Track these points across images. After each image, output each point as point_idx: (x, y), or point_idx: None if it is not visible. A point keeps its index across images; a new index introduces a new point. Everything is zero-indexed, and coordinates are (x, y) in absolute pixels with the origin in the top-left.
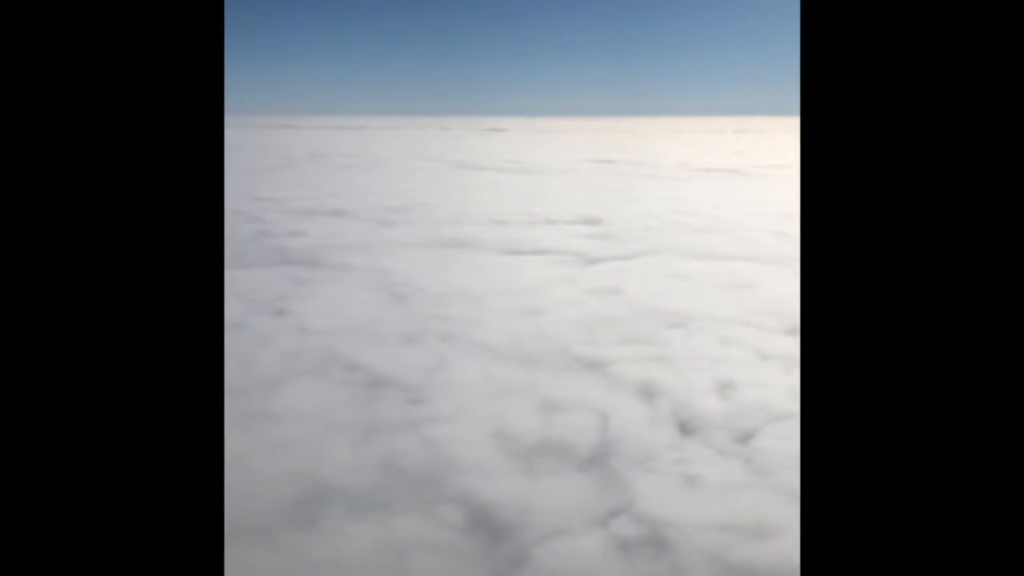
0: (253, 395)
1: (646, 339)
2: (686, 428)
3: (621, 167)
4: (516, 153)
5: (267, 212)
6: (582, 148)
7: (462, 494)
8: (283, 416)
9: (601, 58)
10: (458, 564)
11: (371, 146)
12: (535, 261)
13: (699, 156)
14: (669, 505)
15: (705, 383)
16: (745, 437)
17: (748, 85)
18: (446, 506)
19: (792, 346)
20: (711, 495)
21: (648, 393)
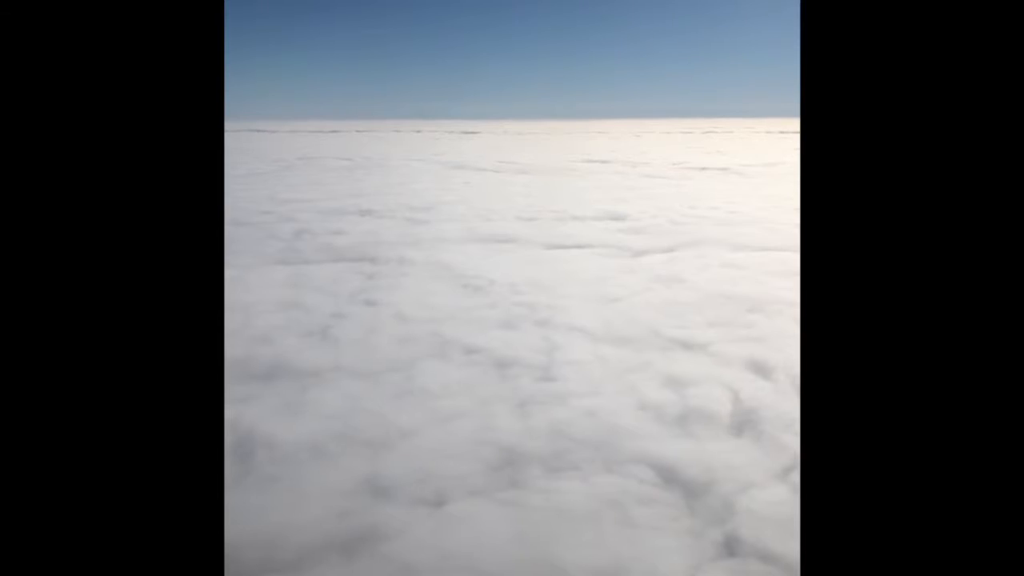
0: (392, 376)
1: (730, 322)
2: None
3: (616, 167)
4: (505, 154)
5: (296, 212)
6: (567, 149)
7: (641, 456)
8: (434, 393)
9: (545, 64)
10: (674, 512)
11: (357, 149)
12: (583, 254)
13: (686, 156)
14: None
15: None
16: None
17: (699, 89)
18: (632, 466)
19: None
20: None
21: (760, 368)
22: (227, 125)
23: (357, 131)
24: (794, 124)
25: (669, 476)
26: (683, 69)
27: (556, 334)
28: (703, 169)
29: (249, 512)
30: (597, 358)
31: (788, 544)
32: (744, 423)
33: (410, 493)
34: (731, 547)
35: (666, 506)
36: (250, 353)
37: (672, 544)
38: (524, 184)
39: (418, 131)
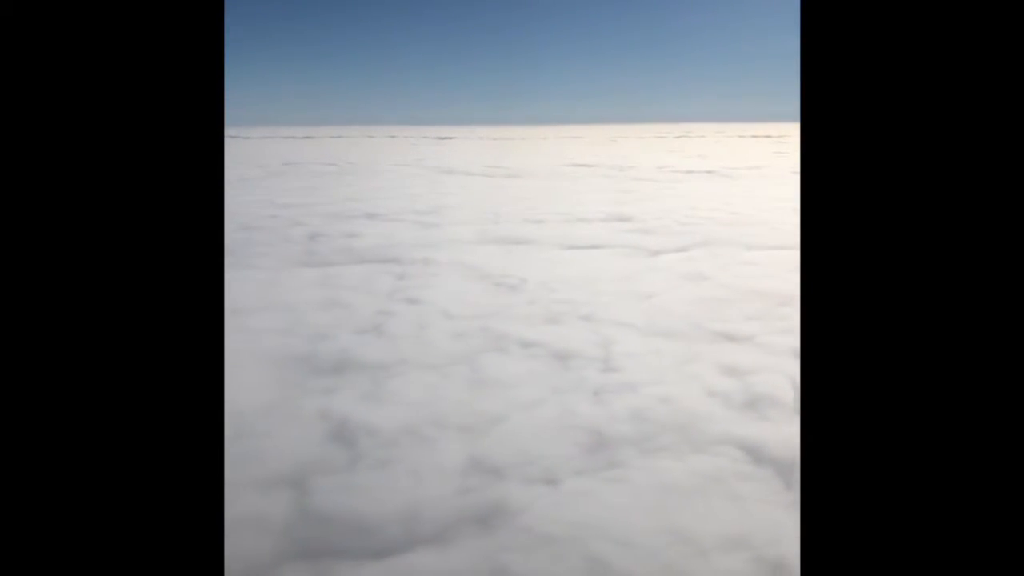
0: (459, 368)
1: (766, 315)
2: None
3: (602, 171)
4: (489, 159)
5: (302, 216)
6: (548, 153)
7: (725, 437)
8: (507, 383)
9: (507, 69)
10: (773, 486)
11: (338, 154)
12: (602, 254)
13: (668, 160)
14: None
15: None
16: None
17: (664, 94)
18: (720, 446)
19: None
20: None
21: None
22: None
23: (331, 137)
24: (765, 128)
25: (757, 455)
26: (646, 73)
27: (604, 329)
28: (689, 172)
29: (375, 492)
30: (651, 350)
31: None
32: None
33: (521, 473)
34: None
35: (764, 481)
36: (313, 349)
37: (783, 514)
38: (519, 188)
39: (392, 136)
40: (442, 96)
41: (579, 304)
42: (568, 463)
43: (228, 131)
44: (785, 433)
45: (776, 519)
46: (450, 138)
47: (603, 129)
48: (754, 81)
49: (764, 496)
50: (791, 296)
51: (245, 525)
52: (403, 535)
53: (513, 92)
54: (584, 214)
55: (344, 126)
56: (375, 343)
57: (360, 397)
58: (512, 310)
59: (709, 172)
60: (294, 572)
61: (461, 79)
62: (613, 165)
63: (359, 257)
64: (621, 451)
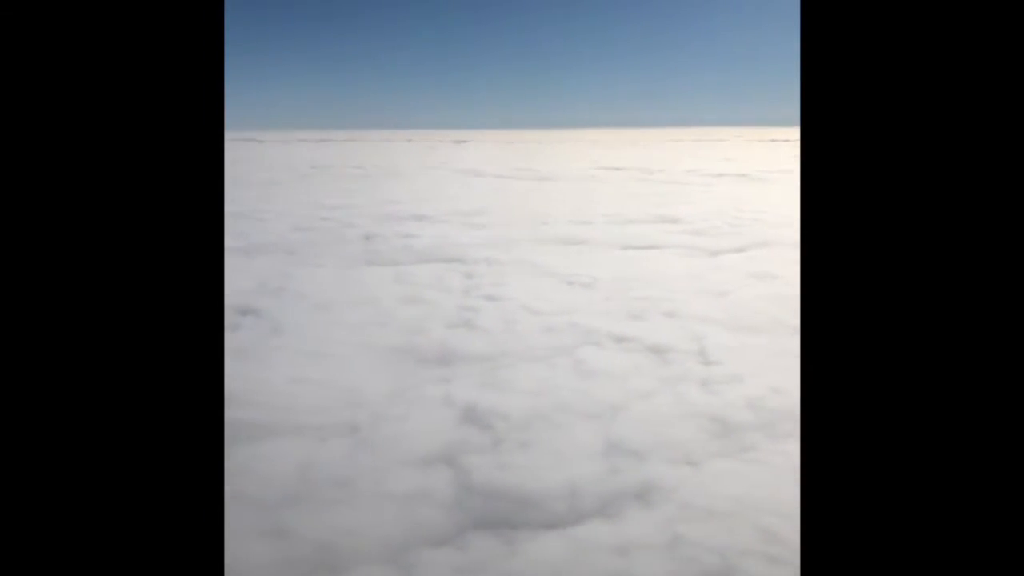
0: (562, 359)
1: None
2: None
3: (634, 174)
4: (515, 162)
5: (352, 218)
6: (572, 157)
7: None
8: (615, 374)
9: (506, 75)
10: None
11: (362, 158)
12: (661, 254)
13: (696, 163)
14: None
15: None
16: None
17: (669, 98)
18: None
19: None
20: None
21: None
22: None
23: (347, 141)
24: (783, 133)
25: None
26: (654, 77)
27: (691, 324)
28: (720, 176)
29: (528, 470)
30: (743, 344)
31: None
32: None
33: (661, 455)
34: None
35: None
36: (412, 341)
37: None
38: (554, 190)
39: (409, 140)
40: (453, 100)
41: (657, 301)
42: (702, 447)
43: (242, 134)
44: None
45: None
46: (466, 142)
47: (619, 133)
48: (769, 85)
49: None
50: None
51: (417, 500)
52: (569, 509)
53: (524, 96)
54: (630, 216)
55: (357, 130)
56: (470, 336)
57: (478, 385)
58: (592, 307)
59: (741, 175)
60: (480, 540)
61: (470, 84)
62: (642, 168)
63: (421, 256)
64: (749, 436)
